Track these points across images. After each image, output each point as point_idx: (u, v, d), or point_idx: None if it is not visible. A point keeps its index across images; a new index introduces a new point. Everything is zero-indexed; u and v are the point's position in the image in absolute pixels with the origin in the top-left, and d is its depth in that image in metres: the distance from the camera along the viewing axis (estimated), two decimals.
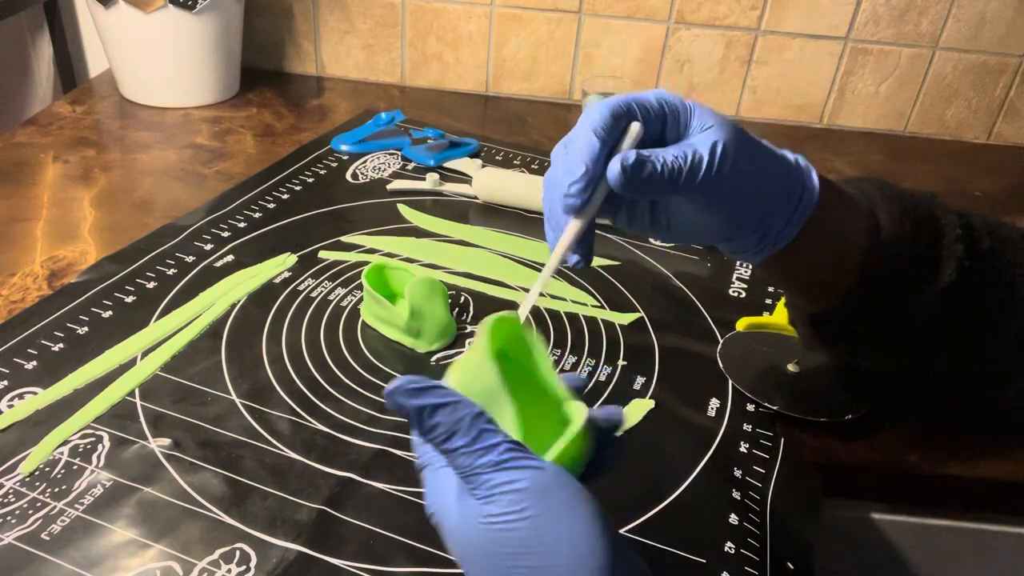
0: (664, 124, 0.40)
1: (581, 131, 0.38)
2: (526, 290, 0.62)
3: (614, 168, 0.37)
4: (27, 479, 0.42)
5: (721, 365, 0.55)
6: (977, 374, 0.50)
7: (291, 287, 0.60)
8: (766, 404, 0.52)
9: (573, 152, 0.38)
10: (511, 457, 0.29)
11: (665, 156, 0.38)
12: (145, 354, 0.52)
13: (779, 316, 0.60)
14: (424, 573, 0.40)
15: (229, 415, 0.48)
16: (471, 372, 0.34)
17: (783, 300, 0.61)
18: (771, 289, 0.65)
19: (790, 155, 0.42)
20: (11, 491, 0.42)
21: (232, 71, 0.94)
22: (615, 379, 0.54)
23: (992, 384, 0.51)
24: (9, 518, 0.40)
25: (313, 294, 0.60)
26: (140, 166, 0.77)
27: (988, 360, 0.48)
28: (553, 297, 0.62)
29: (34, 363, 0.50)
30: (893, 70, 0.96)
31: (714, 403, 0.52)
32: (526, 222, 0.72)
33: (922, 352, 0.47)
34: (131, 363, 0.51)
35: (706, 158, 0.38)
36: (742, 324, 0.59)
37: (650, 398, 0.52)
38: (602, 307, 0.61)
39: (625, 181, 0.37)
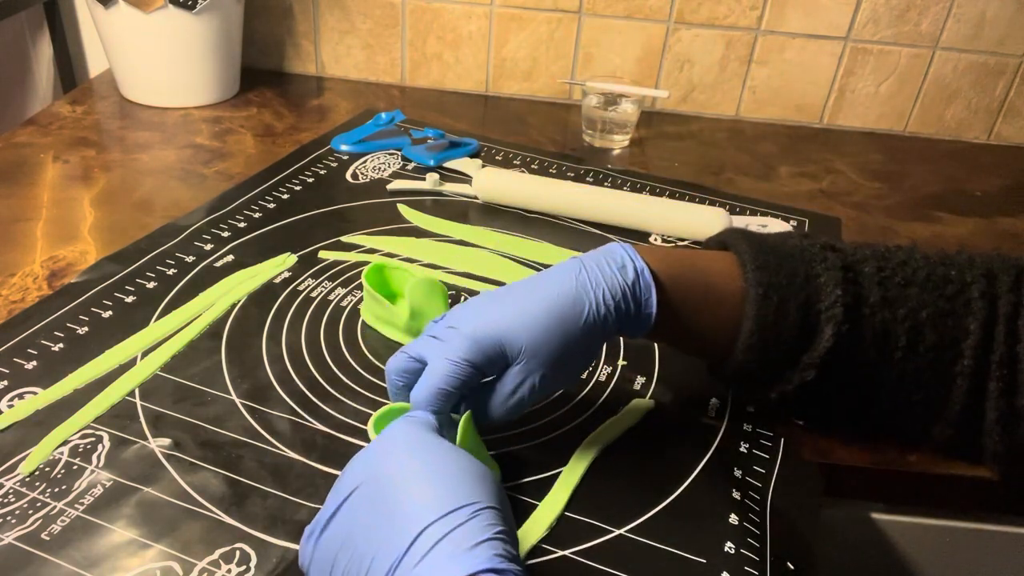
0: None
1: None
2: None
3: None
4: (27, 479, 0.42)
5: None
6: (885, 420, 0.49)
7: (291, 287, 0.60)
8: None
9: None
10: None
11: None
12: (145, 354, 0.52)
13: None
14: None
15: (229, 415, 0.48)
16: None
17: None
18: None
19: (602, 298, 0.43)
20: (11, 491, 0.42)
21: (232, 71, 0.94)
22: (615, 379, 0.54)
23: (909, 428, 0.49)
24: (9, 518, 0.40)
25: (313, 294, 0.60)
26: (140, 166, 0.77)
27: (895, 412, 0.48)
28: None
29: (34, 363, 0.50)
30: (893, 70, 0.96)
31: (714, 403, 0.52)
32: (526, 222, 0.73)
33: (819, 403, 0.48)
34: (131, 363, 0.51)
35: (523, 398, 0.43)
36: None
37: (650, 398, 0.52)
38: None
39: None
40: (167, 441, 0.45)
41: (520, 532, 0.42)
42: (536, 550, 0.41)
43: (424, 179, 0.76)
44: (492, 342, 0.41)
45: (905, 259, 0.47)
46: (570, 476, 0.45)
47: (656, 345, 0.57)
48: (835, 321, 0.44)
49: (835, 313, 0.44)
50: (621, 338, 0.58)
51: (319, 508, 0.42)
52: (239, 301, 0.58)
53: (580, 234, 0.71)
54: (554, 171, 0.82)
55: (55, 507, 0.41)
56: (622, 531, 0.42)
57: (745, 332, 0.45)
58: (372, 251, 0.66)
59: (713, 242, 0.51)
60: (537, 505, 0.43)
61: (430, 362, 0.42)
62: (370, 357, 0.54)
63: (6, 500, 0.41)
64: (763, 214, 0.77)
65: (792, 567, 0.42)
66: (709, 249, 0.50)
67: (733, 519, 0.44)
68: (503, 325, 0.41)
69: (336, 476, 0.44)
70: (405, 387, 0.43)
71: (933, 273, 0.46)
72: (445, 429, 0.40)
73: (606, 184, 0.80)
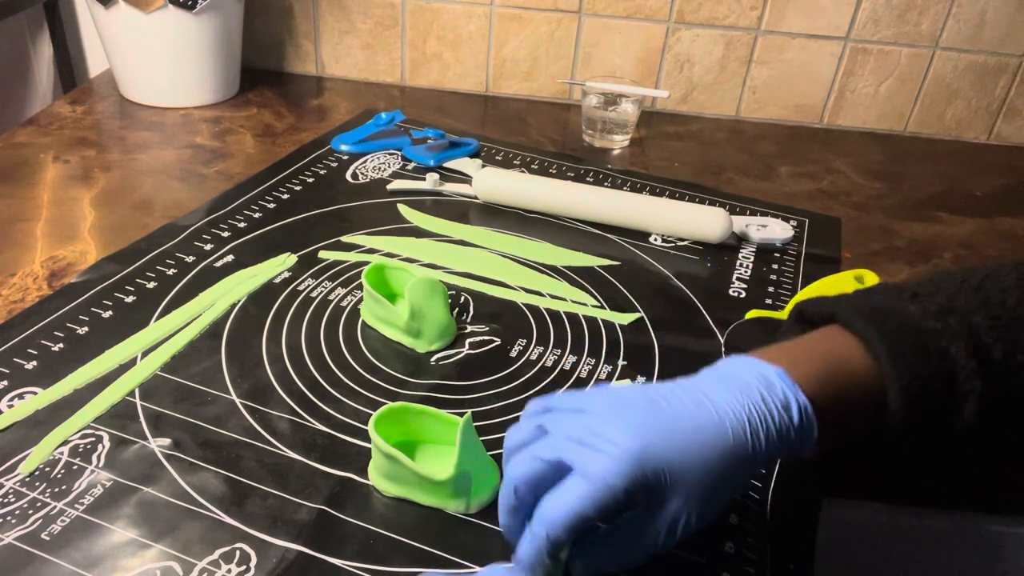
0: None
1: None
2: (526, 290, 0.62)
3: None
4: (27, 479, 0.42)
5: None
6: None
7: (291, 287, 0.60)
8: None
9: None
10: None
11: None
12: (145, 354, 0.52)
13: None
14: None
15: (229, 415, 0.48)
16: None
17: (793, 301, 0.62)
18: (771, 289, 0.65)
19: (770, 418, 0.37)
20: (11, 491, 0.42)
21: (232, 71, 0.94)
22: (615, 379, 0.54)
23: None
24: (9, 518, 0.40)
25: (313, 294, 0.60)
26: (140, 166, 0.77)
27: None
28: (553, 297, 0.62)
29: (34, 363, 0.50)
30: (893, 70, 0.96)
31: None
32: (526, 222, 0.73)
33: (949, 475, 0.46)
34: (131, 363, 0.51)
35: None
36: (751, 315, 0.60)
37: None
38: (602, 307, 0.61)
39: None
40: (167, 441, 0.45)
41: None
42: None
43: (424, 179, 0.76)
44: (656, 470, 0.34)
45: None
46: None
47: (656, 345, 0.57)
48: (975, 395, 0.40)
49: (973, 386, 0.40)
50: (620, 334, 0.58)
51: (319, 508, 0.42)
52: (239, 301, 0.58)
53: (580, 234, 0.71)
54: (554, 171, 0.82)
55: (55, 507, 0.41)
56: None
57: (895, 429, 0.41)
58: (372, 251, 0.66)
59: (818, 316, 0.44)
60: None
61: (578, 475, 0.33)
62: (370, 357, 0.54)
63: (6, 500, 0.41)
64: (763, 214, 0.77)
65: (792, 567, 0.42)
66: (811, 317, 0.44)
67: (733, 519, 0.44)
68: (671, 452, 0.34)
69: (335, 475, 0.44)
70: (531, 503, 0.35)
71: None
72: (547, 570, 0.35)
73: (606, 184, 0.80)
